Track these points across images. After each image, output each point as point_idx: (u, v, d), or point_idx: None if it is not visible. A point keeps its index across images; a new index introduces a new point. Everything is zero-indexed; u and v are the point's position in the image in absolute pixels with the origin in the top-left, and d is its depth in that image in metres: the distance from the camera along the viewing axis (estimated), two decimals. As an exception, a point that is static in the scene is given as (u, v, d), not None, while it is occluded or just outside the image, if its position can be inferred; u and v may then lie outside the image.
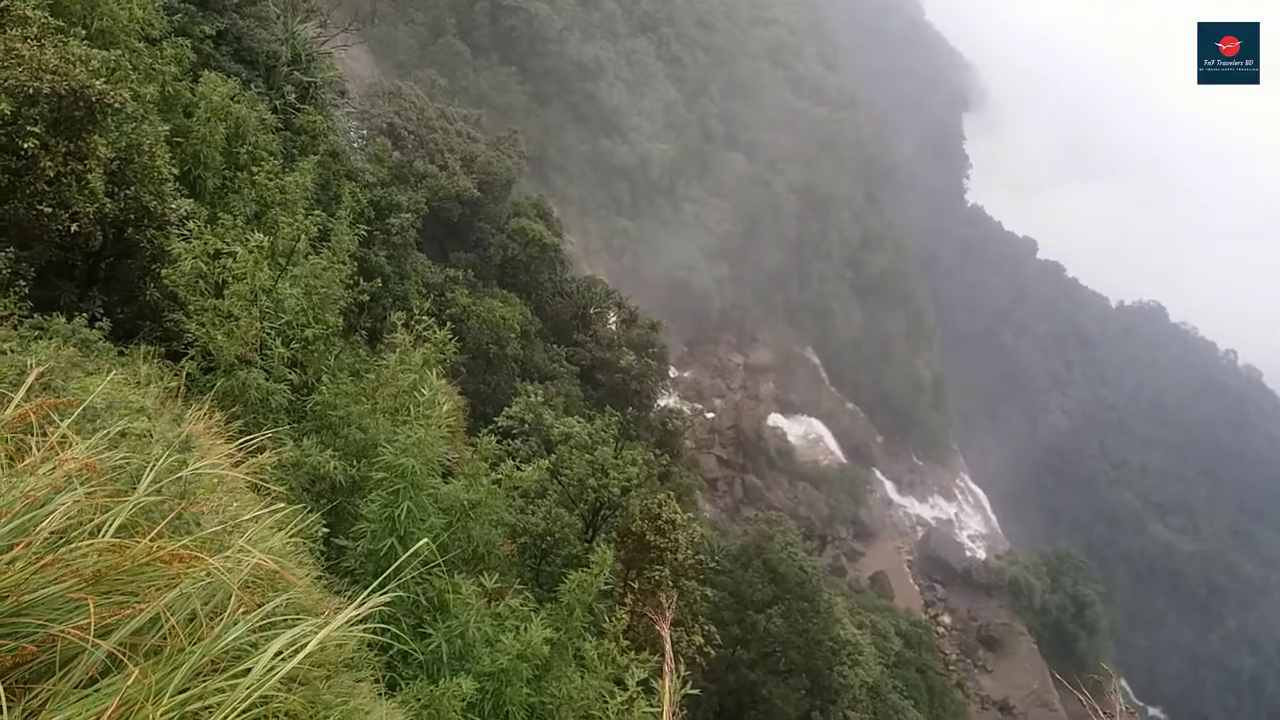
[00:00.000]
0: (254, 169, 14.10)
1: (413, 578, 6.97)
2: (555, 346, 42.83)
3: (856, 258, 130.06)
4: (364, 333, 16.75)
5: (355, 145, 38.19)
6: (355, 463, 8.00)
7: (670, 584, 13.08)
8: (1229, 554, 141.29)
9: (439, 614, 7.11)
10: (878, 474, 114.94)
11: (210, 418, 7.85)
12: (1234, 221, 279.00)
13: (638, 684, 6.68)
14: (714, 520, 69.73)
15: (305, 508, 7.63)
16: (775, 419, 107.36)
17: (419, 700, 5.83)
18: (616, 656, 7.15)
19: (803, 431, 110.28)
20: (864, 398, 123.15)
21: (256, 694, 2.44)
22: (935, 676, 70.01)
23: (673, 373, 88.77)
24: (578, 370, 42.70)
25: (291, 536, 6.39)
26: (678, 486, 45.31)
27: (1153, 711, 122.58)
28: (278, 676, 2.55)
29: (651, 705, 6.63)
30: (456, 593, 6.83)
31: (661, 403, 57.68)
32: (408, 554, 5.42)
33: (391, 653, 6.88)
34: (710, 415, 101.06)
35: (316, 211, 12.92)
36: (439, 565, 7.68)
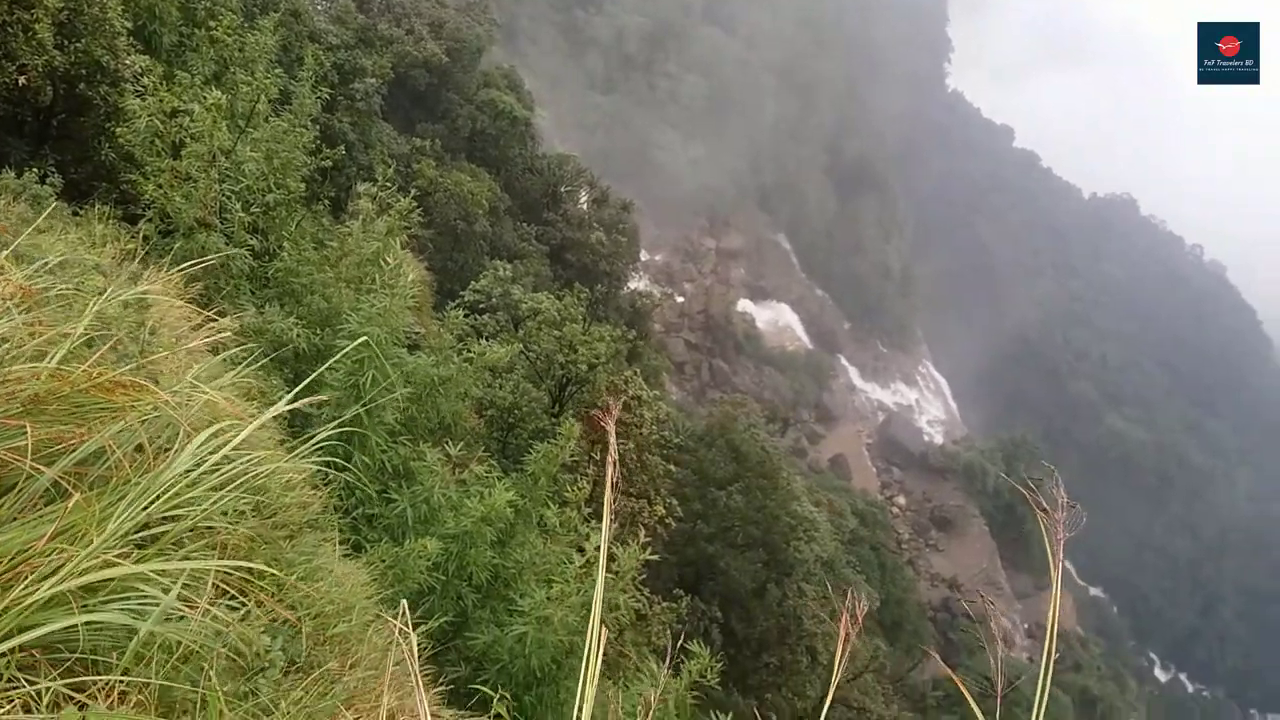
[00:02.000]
0: (211, 24, 13.47)
1: (379, 445, 7.03)
2: (525, 225, 42.28)
3: (833, 143, 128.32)
4: (328, 201, 16.36)
5: (318, 6, 36.52)
6: (319, 331, 7.94)
7: (635, 458, 13.36)
8: (1180, 444, 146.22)
9: (405, 480, 7.21)
10: (843, 360, 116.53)
11: (168, 280, 7.70)
12: (1206, 117, 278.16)
13: (596, 549, 6.85)
14: (680, 403, 70.69)
15: (268, 374, 7.61)
16: (745, 304, 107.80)
17: (384, 561, 5.95)
18: (579, 524, 7.34)
19: (771, 317, 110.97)
20: (833, 285, 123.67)
21: (201, 516, 2.43)
22: (888, 554, 72.88)
23: (643, 255, 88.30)
24: (547, 250, 42.31)
25: (253, 400, 6.40)
26: (646, 368, 45.73)
27: (1094, 591, 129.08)
28: (203, 473, 2.52)
29: (613, 569, 6.83)
30: (422, 460, 6.91)
31: (631, 285, 57.56)
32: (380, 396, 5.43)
33: (356, 516, 7.00)
34: (680, 299, 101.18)
35: (277, 70, 12.40)
36: (406, 435, 7.75)
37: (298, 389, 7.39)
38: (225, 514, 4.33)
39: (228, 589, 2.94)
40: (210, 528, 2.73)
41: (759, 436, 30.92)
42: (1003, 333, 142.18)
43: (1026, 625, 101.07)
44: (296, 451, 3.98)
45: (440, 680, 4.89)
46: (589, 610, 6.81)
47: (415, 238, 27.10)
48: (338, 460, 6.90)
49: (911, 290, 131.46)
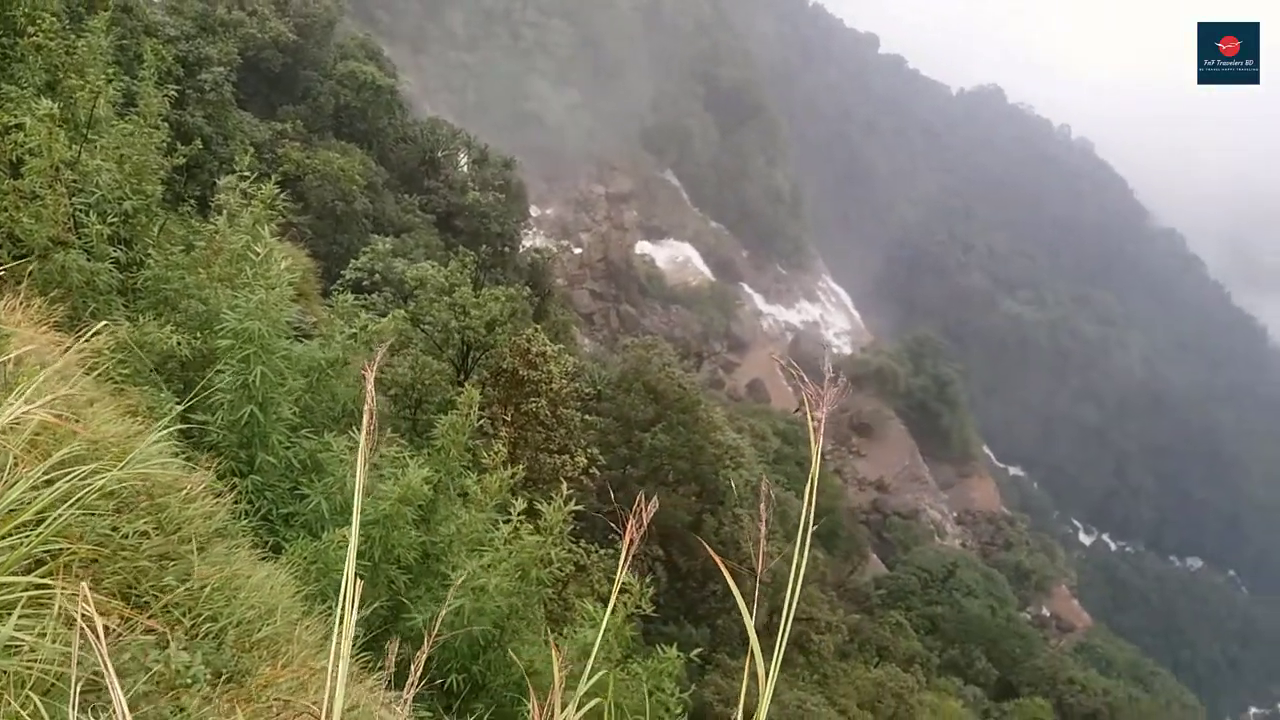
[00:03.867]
0: (32, 30, 12.56)
1: (280, 442, 6.84)
2: (407, 196, 41.24)
3: (707, 73, 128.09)
4: (193, 202, 15.66)
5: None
6: (200, 335, 7.64)
7: (549, 414, 13.33)
8: (1072, 319, 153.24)
9: (315, 474, 7.04)
10: (746, 288, 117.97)
11: (28, 307, 7.28)
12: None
13: (520, 513, 6.85)
14: (594, 353, 70.67)
15: (155, 388, 7.29)
16: (643, 246, 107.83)
17: (305, 558, 5.83)
18: (499, 489, 7.31)
19: (670, 255, 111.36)
20: (726, 215, 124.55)
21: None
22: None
23: (534, 211, 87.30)
24: (434, 218, 41.42)
25: (140, 416, 6.13)
26: (553, 324, 45.49)
27: (1013, 471, 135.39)
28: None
29: (538, 529, 6.84)
30: (328, 450, 6.76)
31: (527, 243, 56.93)
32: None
33: (272, 516, 6.82)
34: (578, 250, 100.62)
35: (113, 69, 11.70)
36: (309, 427, 7.55)
37: (190, 398, 7.13)
38: (126, 537, 4.18)
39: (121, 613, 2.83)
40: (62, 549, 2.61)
41: (674, 374, 31.21)
42: (892, 238, 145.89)
43: (955, 513, 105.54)
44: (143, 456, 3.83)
45: (377, 665, 4.84)
46: (523, 572, 6.82)
47: (291, 225, 26.22)
48: (239, 464, 6.70)
49: (801, 210, 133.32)
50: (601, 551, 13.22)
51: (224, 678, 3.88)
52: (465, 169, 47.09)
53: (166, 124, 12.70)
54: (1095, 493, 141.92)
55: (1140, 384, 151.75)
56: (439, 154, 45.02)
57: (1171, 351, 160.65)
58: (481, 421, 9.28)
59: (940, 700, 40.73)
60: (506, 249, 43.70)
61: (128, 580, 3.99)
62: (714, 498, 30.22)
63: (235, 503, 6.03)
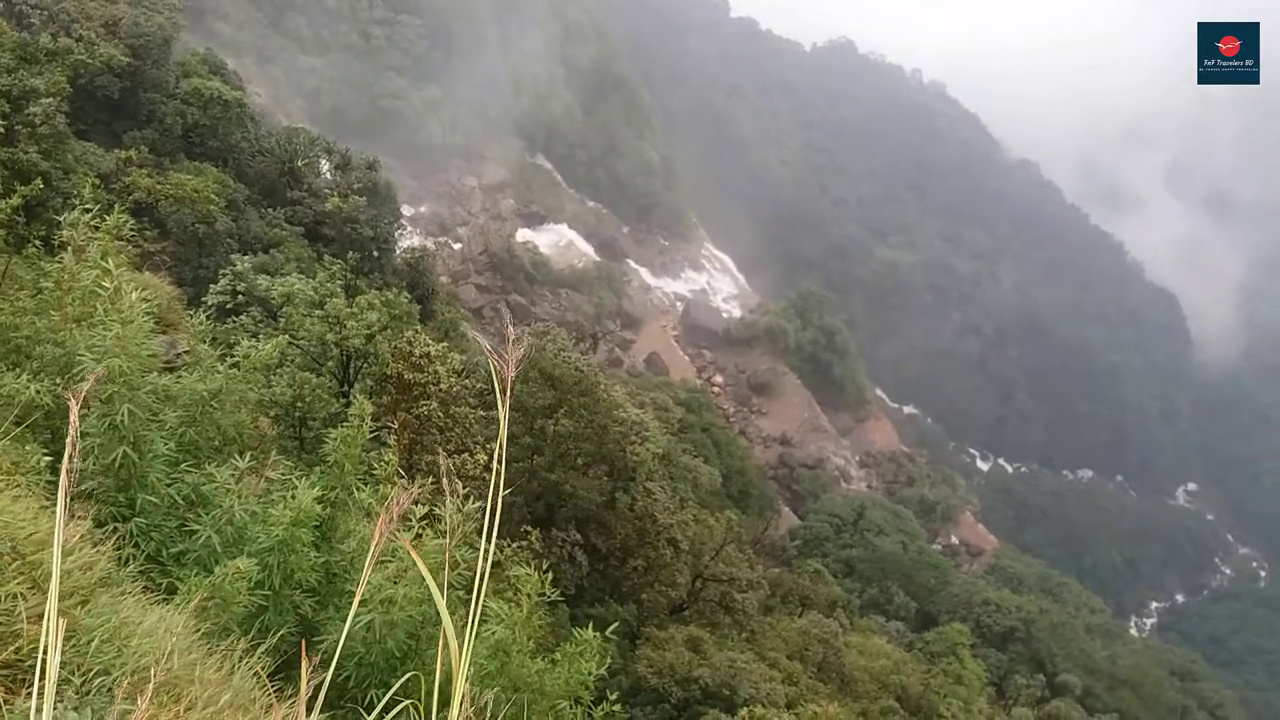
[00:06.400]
0: None
1: (159, 480, 6.57)
2: (271, 210, 39.81)
3: (564, 52, 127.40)
4: (38, 243, 14.79)
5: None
6: (60, 380, 7.25)
7: (441, 415, 13.12)
8: (944, 257, 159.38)
9: (202, 507, 6.80)
10: (631, 264, 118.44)
11: None
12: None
13: (420, 519, 6.77)
14: (490, 347, 69.81)
15: (19, 442, 6.90)
16: (524, 233, 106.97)
17: (200, 595, 5.64)
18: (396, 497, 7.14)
19: (553, 240, 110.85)
20: (603, 193, 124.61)
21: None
22: (719, 431, 76.08)
23: (408, 210, 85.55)
24: (302, 229, 40.17)
25: (6, 474, 5.80)
26: (441, 323, 44.79)
27: (907, 410, 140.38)
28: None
29: (437, 534, 6.78)
30: (212, 481, 6.53)
31: (404, 244, 55.81)
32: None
33: (163, 558, 6.57)
34: (458, 245, 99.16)
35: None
36: (190, 460, 7.27)
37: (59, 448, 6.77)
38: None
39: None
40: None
41: (570, 359, 31.16)
42: (767, 198, 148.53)
43: (857, 457, 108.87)
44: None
45: (289, 692, 4.73)
46: (432, 576, 6.75)
47: (150, 254, 25.05)
48: (119, 508, 6.42)
49: (676, 181, 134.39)
50: (514, 545, 13.17)
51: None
52: (329, 175, 45.73)
53: (-3, 163, 11.98)
54: (986, 420, 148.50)
55: (1015, 312, 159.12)
56: (299, 163, 43.57)
57: (1041, 277, 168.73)
58: (378, 431, 9.08)
59: (865, 639, 42.19)
60: (378, 253, 42.74)
61: (4, 645, 3.81)
62: (625, 475, 30.39)
63: (119, 548, 5.80)
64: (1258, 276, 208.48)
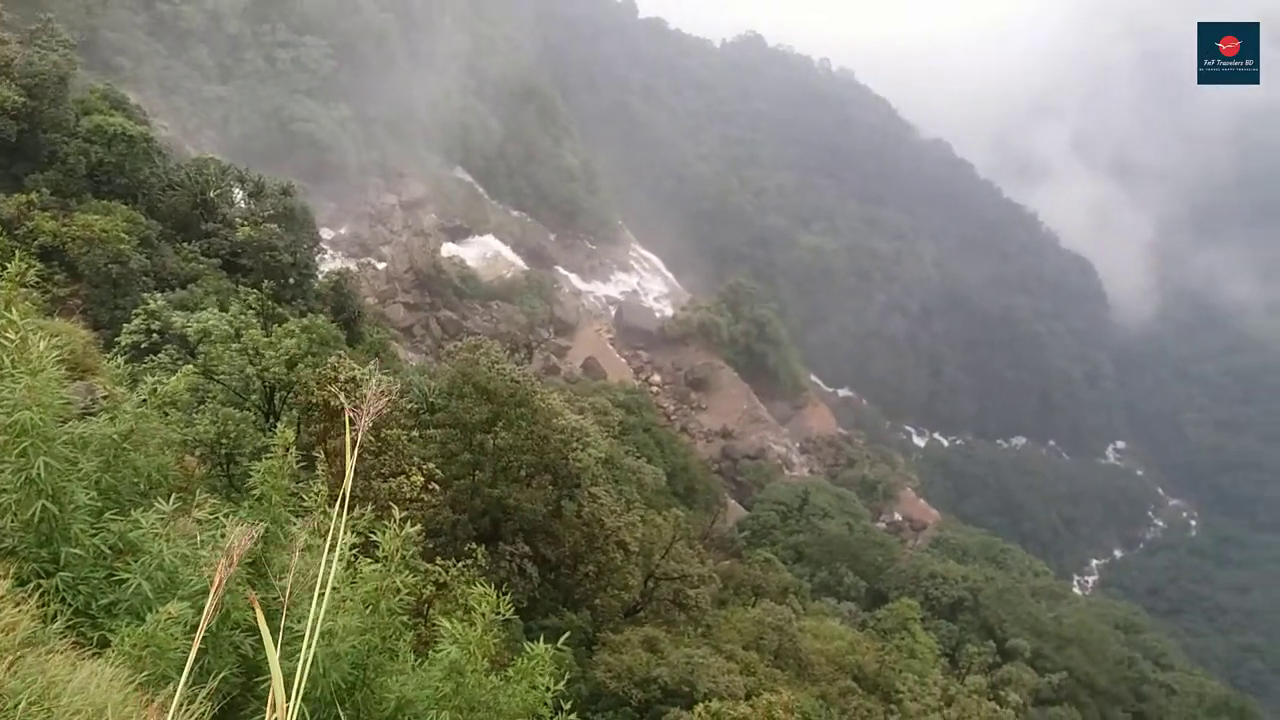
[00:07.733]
0: None
1: (82, 531, 6.40)
2: (186, 244, 38.84)
3: (473, 64, 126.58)
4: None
5: None
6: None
7: (372, 438, 12.97)
8: (866, 240, 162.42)
9: (131, 555, 6.64)
10: (560, 270, 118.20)
11: None
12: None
13: (352, 548, 6.71)
14: (422, 366, 69.14)
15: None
16: (449, 248, 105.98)
17: (134, 644, 5.52)
18: (327, 525, 7.09)
19: (479, 252, 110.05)
20: (525, 202, 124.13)
21: None
22: (660, 430, 76.44)
23: (328, 233, 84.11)
24: (219, 261, 39.26)
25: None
26: (370, 345, 44.15)
27: (842, 393, 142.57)
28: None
29: (373, 560, 6.73)
30: (138, 527, 6.37)
31: (326, 268, 54.95)
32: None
33: (93, 611, 6.40)
34: (383, 265, 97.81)
35: None
36: (113, 508, 7.09)
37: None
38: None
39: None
40: None
41: (504, 370, 30.98)
42: (688, 195, 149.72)
43: (797, 444, 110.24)
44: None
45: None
46: (374, 604, 6.70)
47: (61, 299, 24.25)
48: (43, 564, 6.24)
49: (598, 184, 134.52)
50: (460, 564, 13.07)
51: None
52: (243, 204, 44.74)
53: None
54: (919, 397, 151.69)
55: (938, 287, 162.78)
56: (212, 194, 42.53)
57: (960, 252, 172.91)
58: (308, 462, 8.96)
59: (819, 623, 42.74)
60: (298, 279, 41.97)
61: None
62: (569, 482, 30.30)
63: (44, 605, 5.65)
64: (1166, 238, 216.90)
